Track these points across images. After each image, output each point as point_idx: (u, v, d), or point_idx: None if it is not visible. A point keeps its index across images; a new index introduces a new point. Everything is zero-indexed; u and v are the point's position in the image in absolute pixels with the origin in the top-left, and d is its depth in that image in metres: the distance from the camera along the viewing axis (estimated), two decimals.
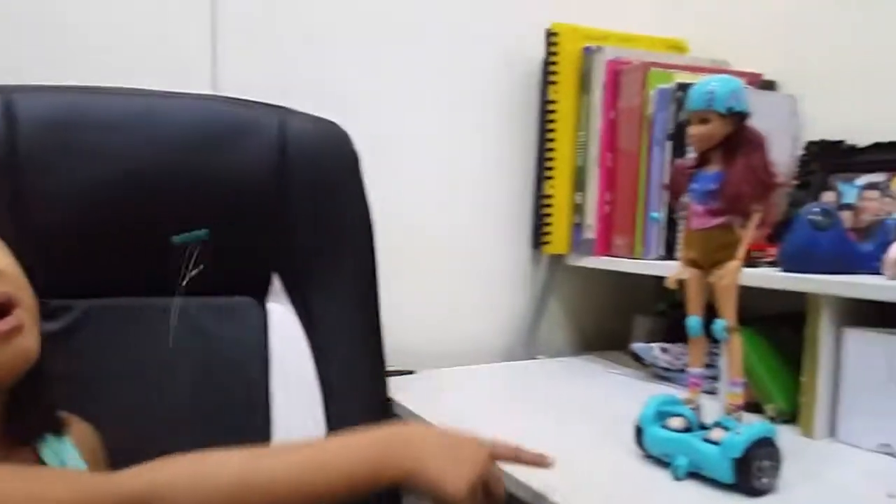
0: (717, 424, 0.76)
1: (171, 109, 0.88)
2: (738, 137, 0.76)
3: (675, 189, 0.83)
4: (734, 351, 0.77)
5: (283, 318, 0.89)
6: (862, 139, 1.10)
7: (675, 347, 1.15)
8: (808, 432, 0.90)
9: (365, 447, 0.63)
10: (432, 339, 1.28)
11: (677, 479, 0.76)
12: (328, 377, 0.89)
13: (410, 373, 1.19)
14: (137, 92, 0.88)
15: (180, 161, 0.85)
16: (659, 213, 1.10)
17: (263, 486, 0.58)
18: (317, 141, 0.93)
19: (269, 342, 0.88)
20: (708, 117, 0.75)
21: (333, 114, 0.96)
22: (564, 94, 1.28)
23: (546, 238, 1.30)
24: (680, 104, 1.13)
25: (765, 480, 0.73)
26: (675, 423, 0.80)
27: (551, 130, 1.29)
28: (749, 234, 0.75)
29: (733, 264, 0.75)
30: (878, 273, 0.90)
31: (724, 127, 0.75)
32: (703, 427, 0.80)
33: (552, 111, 1.28)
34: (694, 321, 0.80)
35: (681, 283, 0.81)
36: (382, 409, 0.94)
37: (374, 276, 0.95)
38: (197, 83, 1.10)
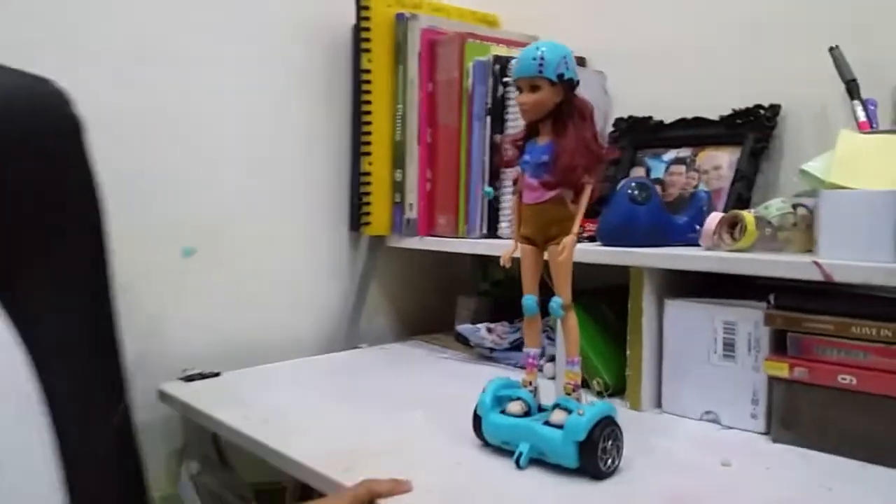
0: (557, 406, 0.73)
1: None
2: (567, 107, 0.73)
3: (505, 162, 0.79)
4: (571, 329, 0.74)
5: None
6: (668, 116, 1.13)
7: (500, 327, 1.12)
8: (635, 405, 0.91)
9: None
10: (240, 336, 1.16)
11: (520, 468, 0.72)
12: (52, 387, 0.72)
13: (215, 375, 1.06)
14: None
15: None
16: (491, 189, 1.06)
17: None
18: (17, 100, 0.74)
19: None
20: (538, 84, 0.71)
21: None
22: (379, 63, 1.20)
23: (365, 219, 1.22)
24: (497, 78, 1.10)
25: (609, 462, 0.71)
26: (515, 407, 0.76)
27: (367, 102, 1.21)
28: (583, 207, 0.73)
29: (569, 239, 0.72)
30: (694, 244, 0.93)
31: (555, 95, 0.72)
32: (542, 409, 0.77)
33: (367, 81, 1.20)
34: (530, 300, 0.76)
35: (514, 260, 0.77)
36: (122, 419, 0.80)
37: (104, 265, 0.77)
38: None
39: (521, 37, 1.26)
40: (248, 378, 1.06)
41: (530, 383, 0.78)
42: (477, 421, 0.78)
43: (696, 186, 1.07)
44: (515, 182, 0.79)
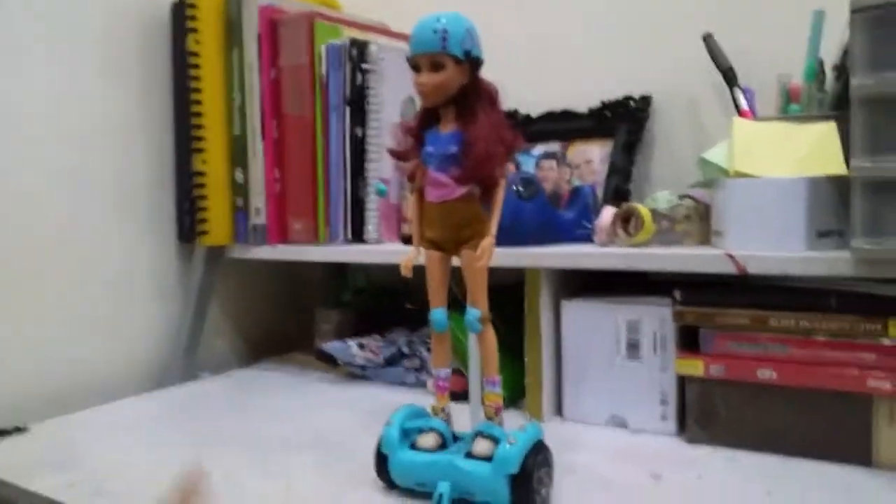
0: (480, 434, 0.63)
1: None
2: (474, 90, 0.63)
3: (400, 154, 0.68)
4: (490, 344, 0.64)
5: None
6: (534, 109, 1.07)
7: (372, 341, 1.00)
8: (535, 414, 0.83)
9: None
10: (50, 379, 0.94)
11: None
12: None
13: (21, 430, 0.84)
14: None
15: None
16: (385, 186, 0.93)
17: None
18: None
19: None
20: (441, 62, 0.61)
21: None
22: (208, 45, 1.03)
23: (201, 227, 1.04)
24: (356, 64, 0.97)
25: (543, 492, 0.62)
26: (428, 440, 0.65)
27: (196, 91, 1.03)
28: (499, 203, 0.63)
29: (488, 241, 0.62)
30: (582, 241, 0.87)
31: (460, 75, 0.62)
32: (457, 439, 0.67)
33: (195, 66, 1.02)
34: (439, 314, 0.66)
35: (415, 268, 0.66)
36: None
37: None
38: None
39: (369, 21, 1.15)
40: (65, 430, 0.84)
41: (443, 410, 0.67)
42: (381, 460, 0.65)
43: (569, 181, 1.02)
44: (412, 178, 0.67)
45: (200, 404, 0.95)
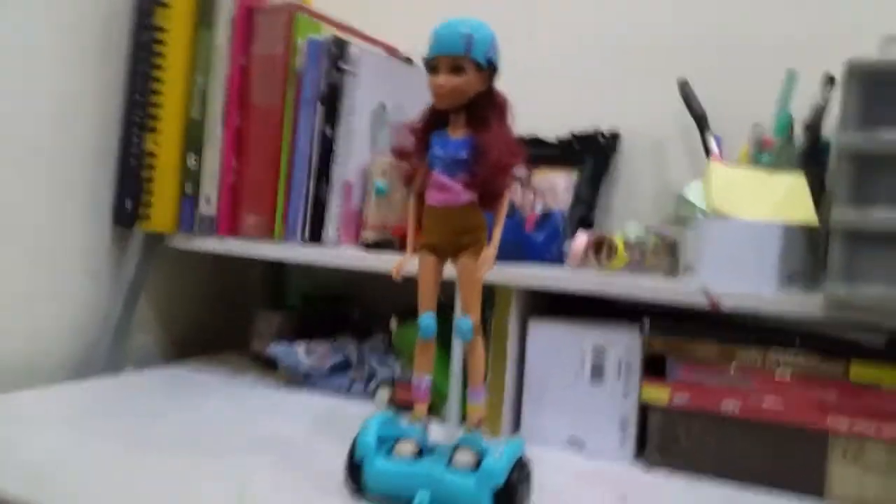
0: (462, 444, 0.61)
1: None
2: (488, 99, 0.63)
3: (402, 154, 0.66)
4: (479, 354, 0.63)
5: None
6: None
7: (320, 347, 0.96)
8: (494, 432, 0.82)
9: None
10: None
11: None
12: None
13: None
14: None
15: None
16: (384, 184, 0.89)
17: None
18: None
19: None
20: (462, 66, 0.60)
21: None
22: (178, 22, 0.97)
23: (144, 211, 0.97)
24: (334, 61, 0.95)
25: None
26: (406, 448, 0.62)
27: (158, 68, 0.97)
28: (503, 214, 0.63)
29: (491, 252, 0.61)
30: (549, 263, 0.88)
31: (479, 82, 0.61)
32: (433, 449, 0.64)
33: (159, 41, 0.97)
34: (428, 319, 0.63)
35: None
36: None
37: None
38: None
39: (344, 22, 1.12)
40: None
41: (421, 419, 0.65)
42: (355, 468, 0.62)
43: (532, 206, 1.03)
44: (411, 179, 0.66)
45: (130, 399, 0.88)
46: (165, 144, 0.98)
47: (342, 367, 0.96)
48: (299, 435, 0.79)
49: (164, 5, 0.97)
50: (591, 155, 1.01)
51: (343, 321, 1.07)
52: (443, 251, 0.63)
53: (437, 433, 0.66)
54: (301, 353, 0.94)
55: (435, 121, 0.64)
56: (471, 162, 0.61)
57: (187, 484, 0.64)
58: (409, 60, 1.12)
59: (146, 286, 1.04)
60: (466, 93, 0.61)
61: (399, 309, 0.95)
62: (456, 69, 0.60)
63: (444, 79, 0.60)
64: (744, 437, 0.73)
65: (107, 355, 0.98)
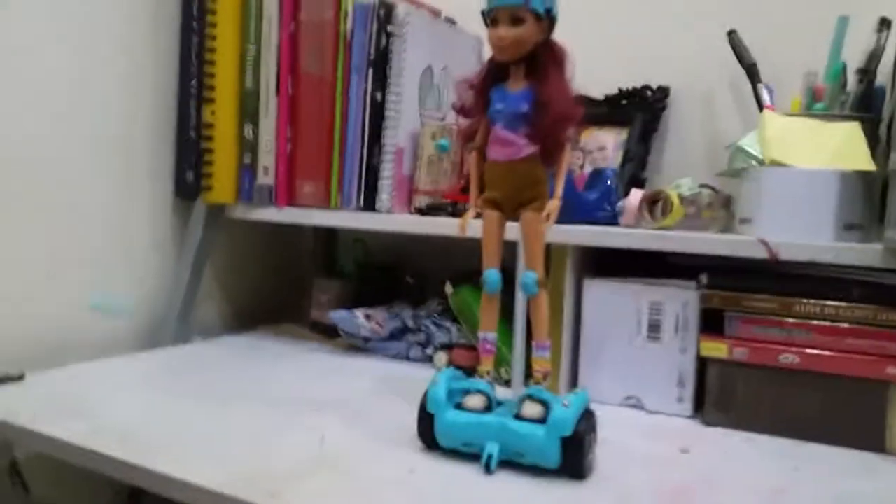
0: (529, 397, 0.63)
1: None
2: (547, 49, 0.63)
3: (464, 110, 0.67)
4: (542, 308, 0.64)
5: None
6: None
7: (379, 313, 0.99)
8: (553, 392, 0.84)
9: None
10: (44, 329, 0.89)
11: (490, 472, 0.61)
12: None
13: (19, 378, 0.79)
14: None
15: None
16: (448, 142, 0.91)
17: None
18: None
19: None
20: (522, 16, 0.60)
21: None
22: None
23: (206, 182, 1.00)
24: (382, 25, 0.96)
25: (590, 457, 0.62)
26: (475, 401, 0.64)
27: (211, 38, 0.99)
28: (565, 167, 0.64)
29: (555, 204, 0.62)
30: (602, 222, 0.88)
31: (539, 33, 0.62)
32: (500, 403, 0.66)
33: (211, 11, 0.98)
34: (493, 274, 0.65)
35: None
36: None
37: None
38: None
39: None
40: (64, 382, 0.80)
41: (488, 373, 0.67)
42: (427, 420, 0.65)
43: (581, 166, 1.03)
44: (471, 136, 0.67)
45: (202, 365, 0.92)
46: (222, 115, 1.00)
47: (400, 332, 0.99)
48: (366, 395, 0.82)
49: None
50: (640, 111, 1.01)
51: (397, 288, 1.09)
52: (506, 206, 0.64)
53: (502, 392, 0.68)
54: (361, 319, 0.96)
55: (494, 75, 0.65)
56: (532, 115, 0.62)
57: (268, 436, 0.67)
58: (451, 21, 1.13)
59: (216, 258, 1.08)
60: (527, 44, 0.61)
61: (450, 274, 0.97)
62: (515, 20, 0.61)
63: (505, 30, 0.61)
64: (802, 391, 0.74)
65: (175, 327, 1.01)
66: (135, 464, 0.59)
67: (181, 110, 1.03)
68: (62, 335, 0.91)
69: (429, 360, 0.96)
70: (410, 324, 0.99)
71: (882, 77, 0.85)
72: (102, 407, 0.72)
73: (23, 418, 0.67)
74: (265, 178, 1.00)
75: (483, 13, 0.63)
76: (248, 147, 1.00)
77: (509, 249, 0.68)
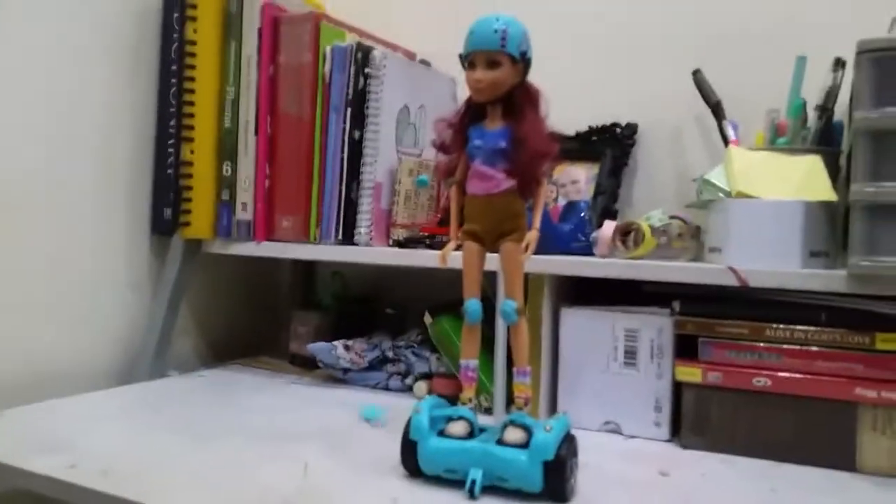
0: (512, 423, 0.64)
1: None
2: (522, 90, 0.66)
3: (442, 147, 0.69)
4: (522, 336, 0.66)
5: None
6: None
7: (357, 344, 0.99)
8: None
9: None
10: (18, 366, 0.89)
11: (474, 498, 0.62)
12: None
13: None
14: None
15: None
16: (428, 177, 0.93)
17: None
18: None
19: None
20: (498, 60, 0.63)
21: None
22: (206, 35, 1.01)
23: (184, 218, 1.01)
24: (360, 67, 0.98)
25: (573, 481, 0.64)
26: (458, 428, 0.65)
27: (190, 80, 1.00)
28: (542, 200, 0.66)
29: (533, 235, 0.64)
30: (576, 252, 0.91)
31: (514, 75, 0.64)
32: (482, 430, 0.67)
33: (191, 54, 1.00)
34: (474, 304, 0.66)
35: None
36: None
37: None
38: None
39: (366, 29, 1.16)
40: (40, 417, 0.79)
41: (470, 400, 0.68)
42: (409, 447, 0.65)
43: (555, 199, 1.06)
44: (451, 172, 0.69)
45: (180, 399, 0.91)
46: (200, 153, 1.01)
47: (379, 362, 0.99)
48: (346, 425, 0.82)
49: (193, 19, 1.00)
50: (610, 147, 1.05)
51: (376, 319, 1.10)
52: (485, 238, 0.66)
53: (484, 419, 0.69)
54: (340, 350, 0.97)
55: (472, 114, 0.67)
56: (509, 151, 0.64)
57: (250, 467, 0.67)
58: (426, 63, 1.16)
59: (192, 292, 1.08)
60: (503, 85, 0.64)
61: (429, 304, 0.98)
62: (492, 63, 0.63)
63: (482, 73, 0.64)
64: (775, 413, 0.76)
65: (151, 362, 1.01)
66: (119, 496, 0.59)
67: (159, 149, 1.04)
68: (38, 371, 0.90)
69: (409, 389, 0.97)
70: (390, 354, 0.99)
71: (839, 113, 0.89)
72: (82, 441, 0.71)
73: (1, 453, 0.66)
74: (243, 214, 1.01)
75: (461, 56, 0.65)
76: (226, 184, 1.02)
77: (488, 279, 0.69)
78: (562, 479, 0.61)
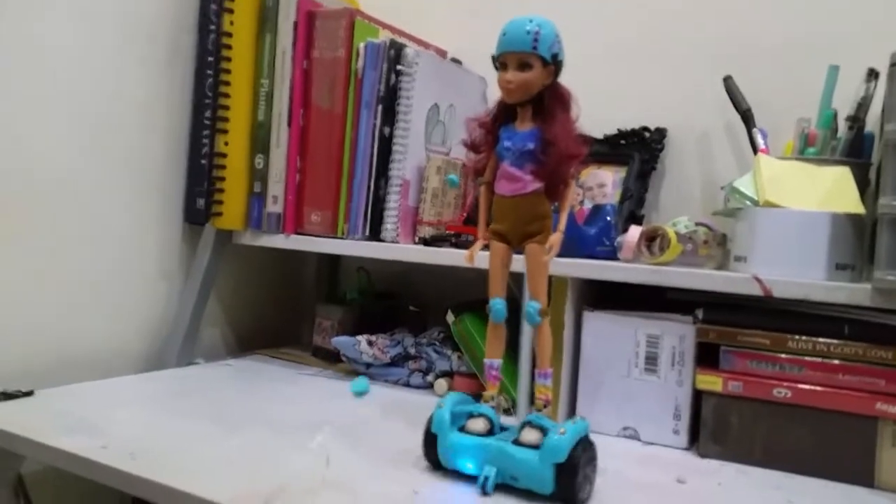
0: (529, 423, 0.65)
1: None
2: (553, 92, 0.66)
3: (473, 146, 0.70)
4: (546, 337, 0.67)
5: None
6: None
7: (381, 339, 1.00)
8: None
9: None
10: (52, 349, 0.92)
11: (487, 494, 0.63)
12: None
13: (28, 394, 0.80)
14: None
15: None
16: (457, 176, 0.94)
17: None
18: None
19: None
20: (529, 62, 0.64)
21: None
22: (242, 27, 1.03)
23: (216, 209, 1.03)
24: (392, 65, 1.00)
25: (588, 488, 0.64)
26: (478, 425, 0.66)
27: (226, 72, 1.02)
28: (569, 202, 0.67)
29: (557, 237, 0.65)
30: (600, 257, 0.91)
31: (545, 76, 0.65)
32: (503, 428, 0.68)
33: (227, 46, 1.02)
34: (499, 304, 0.68)
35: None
36: None
37: None
38: None
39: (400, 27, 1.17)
40: (73, 399, 0.82)
41: (492, 398, 0.69)
42: (430, 440, 0.66)
43: (581, 202, 1.06)
44: (481, 172, 0.70)
45: (207, 386, 0.93)
46: (234, 145, 1.03)
47: (401, 359, 1.01)
48: (369, 418, 0.83)
49: (230, 11, 1.02)
50: (638, 151, 1.05)
51: (399, 315, 1.12)
52: (511, 238, 0.67)
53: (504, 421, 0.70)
54: (363, 345, 0.98)
55: (503, 115, 0.68)
56: (538, 153, 0.65)
57: (274, 456, 0.69)
58: (457, 62, 1.17)
59: (221, 283, 1.10)
60: (534, 86, 0.65)
61: (452, 303, 0.99)
62: (523, 65, 0.64)
63: (513, 75, 0.64)
64: (795, 424, 0.76)
65: (179, 349, 1.03)
66: (147, 478, 0.61)
67: (193, 140, 1.06)
68: (71, 354, 0.93)
69: (429, 386, 0.98)
70: (412, 351, 1.00)
71: (871, 124, 0.88)
72: (111, 423, 0.74)
73: (34, 432, 0.68)
74: (274, 207, 1.03)
75: (493, 58, 0.66)
76: (258, 176, 1.04)
77: (515, 280, 0.70)
78: (573, 482, 0.61)
